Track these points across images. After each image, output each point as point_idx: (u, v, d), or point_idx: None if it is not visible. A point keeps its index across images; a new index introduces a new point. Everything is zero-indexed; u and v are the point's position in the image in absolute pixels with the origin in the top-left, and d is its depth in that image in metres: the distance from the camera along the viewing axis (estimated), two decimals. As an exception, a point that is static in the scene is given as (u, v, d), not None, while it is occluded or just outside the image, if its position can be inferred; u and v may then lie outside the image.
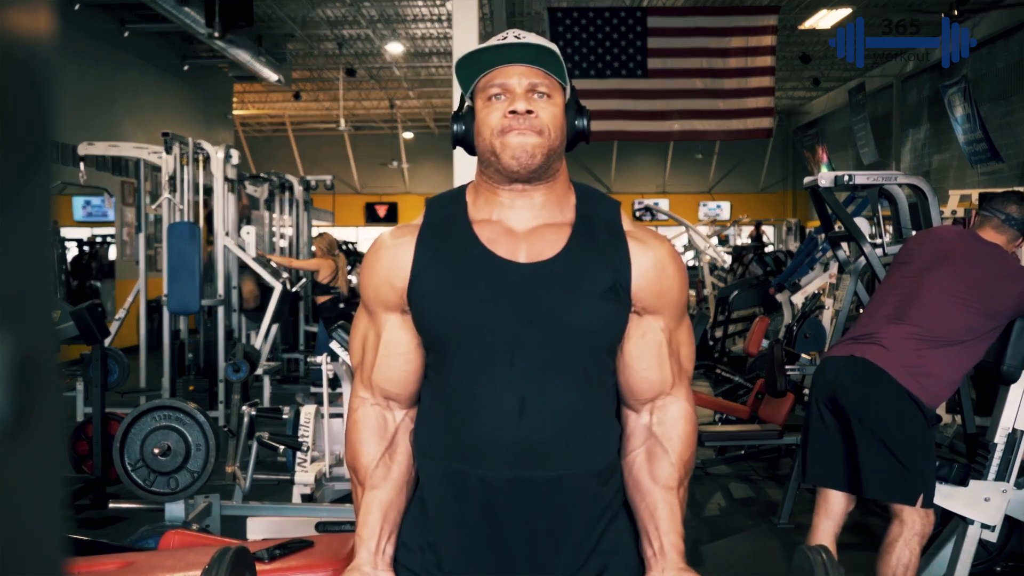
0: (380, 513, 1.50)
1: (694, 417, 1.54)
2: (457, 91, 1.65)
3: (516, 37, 1.48)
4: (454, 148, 1.58)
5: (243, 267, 7.28)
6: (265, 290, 7.32)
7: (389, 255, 1.52)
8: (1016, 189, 6.28)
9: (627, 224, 1.53)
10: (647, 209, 14.34)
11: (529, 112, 1.45)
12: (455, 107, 1.61)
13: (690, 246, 12.25)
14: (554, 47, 1.49)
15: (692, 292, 11.93)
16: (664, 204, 19.05)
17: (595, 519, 1.48)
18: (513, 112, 1.45)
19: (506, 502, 1.44)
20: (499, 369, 1.43)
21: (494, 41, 1.49)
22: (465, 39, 5.55)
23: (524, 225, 1.49)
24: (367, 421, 1.54)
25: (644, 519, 1.49)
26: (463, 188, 1.57)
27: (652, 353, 1.51)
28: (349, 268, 9.98)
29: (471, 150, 1.53)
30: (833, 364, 3.16)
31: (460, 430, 1.46)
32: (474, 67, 1.49)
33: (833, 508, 3.11)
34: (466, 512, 1.47)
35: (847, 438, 3.08)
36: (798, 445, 4.83)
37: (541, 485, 1.44)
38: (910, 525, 2.96)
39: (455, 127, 1.53)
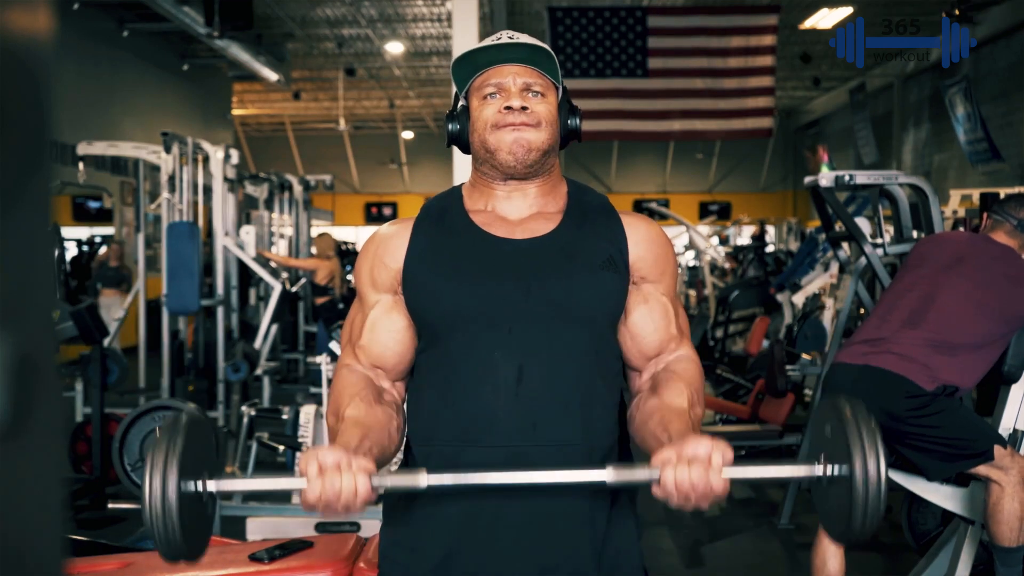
0: (359, 430, 1.35)
1: (700, 365, 1.51)
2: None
3: (510, 37, 1.51)
4: (448, 146, 1.60)
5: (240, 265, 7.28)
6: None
7: (384, 241, 1.53)
8: (1021, 191, 6.27)
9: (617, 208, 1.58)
10: (650, 211, 14.35)
11: (524, 109, 1.47)
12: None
13: (690, 246, 12.23)
14: (547, 47, 1.52)
15: (692, 292, 11.90)
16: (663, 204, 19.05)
17: (599, 508, 1.43)
18: (508, 108, 1.47)
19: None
20: (496, 339, 1.42)
21: (488, 41, 1.52)
22: (465, 39, 5.56)
23: (518, 215, 1.52)
24: (352, 377, 1.47)
25: (655, 431, 1.37)
26: (459, 186, 1.60)
27: (659, 315, 1.51)
28: (348, 268, 9.98)
29: (465, 148, 1.55)
30: (847, 372, 3.12)
31: (455, 403, 1.42)
32: (469, 67, 1.52)
33: None
34: (460, 500, 1.40)
35: None
36: (799, 445, 4.83)
37: (541, 460, 1.38)
38: (1003, 476, 2.93)
39: (450, 126, 1.55)
